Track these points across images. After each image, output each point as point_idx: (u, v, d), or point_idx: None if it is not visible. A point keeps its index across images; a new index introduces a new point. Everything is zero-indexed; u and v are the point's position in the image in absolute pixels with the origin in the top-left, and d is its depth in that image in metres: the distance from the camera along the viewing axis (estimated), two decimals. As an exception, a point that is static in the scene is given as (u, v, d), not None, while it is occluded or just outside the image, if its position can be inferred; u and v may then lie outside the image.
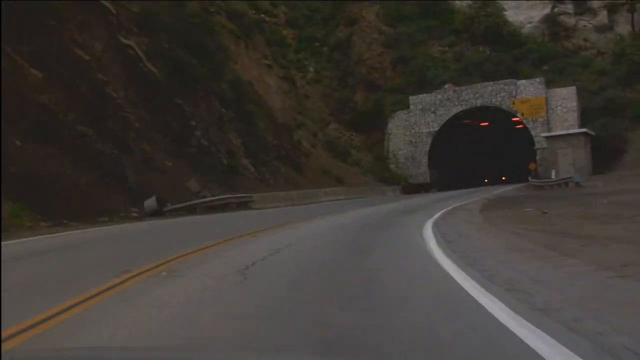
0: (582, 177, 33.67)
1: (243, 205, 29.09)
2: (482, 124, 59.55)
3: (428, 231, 14.39)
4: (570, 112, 50.75)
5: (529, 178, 47.81)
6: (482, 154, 61.73)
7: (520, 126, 60.61)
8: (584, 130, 46.86)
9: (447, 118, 54.87)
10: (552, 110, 51.45)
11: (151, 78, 30.73)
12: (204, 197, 26.12)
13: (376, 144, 59.55)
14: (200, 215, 22.91)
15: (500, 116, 55.04)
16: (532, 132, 51.85)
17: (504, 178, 60.43)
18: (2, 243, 12.66)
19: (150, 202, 21.09)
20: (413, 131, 56.24)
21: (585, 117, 50.85)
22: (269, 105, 47.65)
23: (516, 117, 53.52)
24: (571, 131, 47.66)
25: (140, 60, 30.33)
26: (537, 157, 51.49)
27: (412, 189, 51.80)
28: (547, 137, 48.78)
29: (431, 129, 55.50)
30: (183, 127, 31.67)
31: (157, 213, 21.28)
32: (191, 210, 24.07)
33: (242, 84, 37.40)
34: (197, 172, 30.13)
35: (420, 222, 17.51)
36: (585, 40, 61.01)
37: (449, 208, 25.47)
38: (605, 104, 50.20)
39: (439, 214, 22.17)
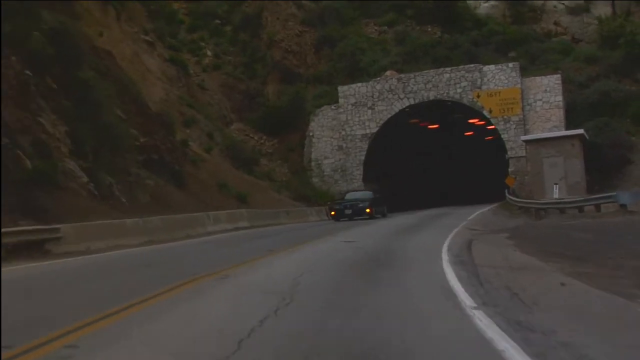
0: (636, 196, 21.58)
1: (37, 247, 15.10)
2: (430, 127, 47.70)
3: None
4: (554, 109, 39.37)
5: (508, 196, 36.03)
6: (435, 164, 49.90)
7: (470, 134, 49.49)
8: (579, 131, 35.46)
9: (389, 116, 42.45)
10: (529, 106, 39.93)
11: None
12: None
13: (294, 150, 46.51)
14: None
15: (459, 114, 43.34)
16: (504, 135, 40.10)
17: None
18: None
19: None
20: (343, 133, 43.50)
21: (571, 117, 39.60)
22: (137, 88, 33.69)
23: (481, 115, 41.81)
24: (563, 133, 36.19)
25: None
26: (510, 169, 39.79)
27: (344, 211, 38.84)
28: (527, 142, 37.16)
29: (367, 130, 42.91)
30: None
31: None
32: None
33: (72, 36, 23.15)
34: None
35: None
36: (557, 24, 50.47)
37: (447, 256, 13.19)
38: (598, 99, 39.20)
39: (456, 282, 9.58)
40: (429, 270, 11.33)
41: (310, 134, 44.94)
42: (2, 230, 14.46)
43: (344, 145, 43.50)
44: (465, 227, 23.97)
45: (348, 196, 34.41)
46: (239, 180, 38.05)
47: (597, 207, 22.48)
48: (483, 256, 12.94)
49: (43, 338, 5.91)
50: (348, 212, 31.72)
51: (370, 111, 42.80)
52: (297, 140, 46.49)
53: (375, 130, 42.71)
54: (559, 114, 39.26)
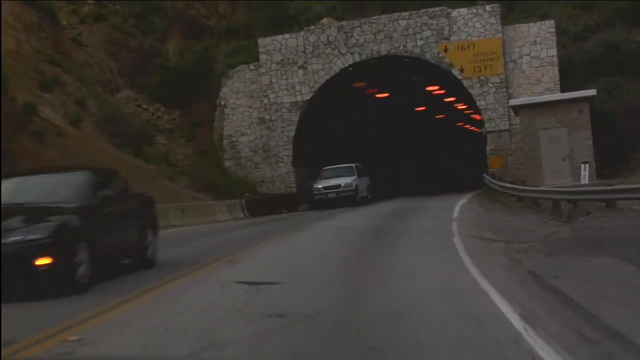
0: None
1: None
2: (378, 96, 38.03)
3: None
4: (547, 67, 30.33)
5: (496, 182, 26.76)
6: (388, 143, 40.38)
7: (421, 109, 40.18)
8: (590, 92, 26.46)
9: (327, 77, 32.51)
10: (513, 63, 30.74)
11: None
12: None
13: (202, 124, 36.19)
14: None
15: (420, 76, 33.82)
16: (481, 102, 30.76)
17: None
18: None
19: None
20: (266, 101, 33.27)
21: (566, 77, 30.60)
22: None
23: (444, 80, 32.40)
24: (567, 96, 27.12)
25: None
26: (489, 146, 30.59)
27: (266, 206, 29.00)
28: (517, 108, 27.97)
29: (298, 97, 32.84)
30: None
31: None
32: None
33: None
34: None
35: None
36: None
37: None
38: (602, 55, 30.38)
39: None
40: None
41: (222, 102, 34.46)
42: None
43: (267, 117, 33.24)
44: (468, 233, 14.47)
45: None
46: (116, 164, 27.19)
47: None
48: None
49: None
50: None
51: (301, 71, 32.67)
52: (206, 112, 36.15)
53: (308, 96, 32.63)
54: (552, 73, 30.19)
